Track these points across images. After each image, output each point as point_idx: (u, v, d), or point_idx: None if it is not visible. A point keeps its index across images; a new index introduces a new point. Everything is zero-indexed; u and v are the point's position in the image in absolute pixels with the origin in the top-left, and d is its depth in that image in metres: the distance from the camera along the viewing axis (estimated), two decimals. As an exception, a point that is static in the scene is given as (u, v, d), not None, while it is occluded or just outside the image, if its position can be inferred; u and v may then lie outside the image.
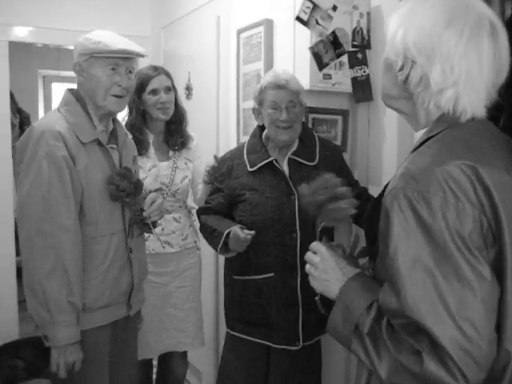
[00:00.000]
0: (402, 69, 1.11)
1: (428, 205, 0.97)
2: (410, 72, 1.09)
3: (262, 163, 2.14)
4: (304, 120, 2.23)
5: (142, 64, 3.72)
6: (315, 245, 1.26)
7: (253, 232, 2.03)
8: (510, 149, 1.12)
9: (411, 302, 0.98)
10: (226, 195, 2.21)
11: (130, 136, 2.12)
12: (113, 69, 1.83)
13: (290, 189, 2.10)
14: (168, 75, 2.55)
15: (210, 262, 3.09)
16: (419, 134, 1.16)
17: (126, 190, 1.88)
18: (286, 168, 2.16)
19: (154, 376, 2.84)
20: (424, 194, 0.98)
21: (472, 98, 1.07)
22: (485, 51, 1.05)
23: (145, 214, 1.98)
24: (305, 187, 1.32)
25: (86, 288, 1.80)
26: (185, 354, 2.75)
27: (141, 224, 2.00)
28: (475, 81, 1.06)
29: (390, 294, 1.03)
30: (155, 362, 2.81)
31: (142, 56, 1.91)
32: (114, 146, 1.95)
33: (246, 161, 2.19)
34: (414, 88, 1.10)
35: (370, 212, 1.24)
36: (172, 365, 2.71)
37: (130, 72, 1.88)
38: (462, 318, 0.94)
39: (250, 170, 2.16)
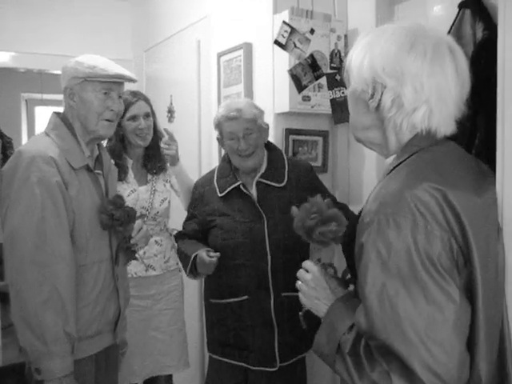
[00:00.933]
0: (372, 96, 1.13)
1: (398, 228, 0.98)
2: (382, 97, 1.12)
3: (230, 188, 2.16)
4: (266, 141, 2.23)
5: (127, 86, 3.76)
6: (308, 263, 1.29)
7: (217, 254, 2.05)
8: (477, 171, 1.15)
9: (380, 324, 0.99)
10: (199, 221, 2.24)
11: (112, 162, 2.11)
12: (105, 93, 1.83)
13: (259, 212, 2.12)
14: (147, 101, 2.56)
15: (194, 283, 3.08)
16: (390, 160, 1.18)
17: (120, 219, 1.86)
18: (254, 191, 2.17)
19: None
20: (394, 217, 0.99)
21: (444, 114, 1.10)
22: (448, 67, 1.09)
23: (132, 241, 1.97)
24: (295, 211, 1.33)
25: (77, 317, 1.75)
26: (170, 376, 2.72)
27: (128, 251, 1.99)
28: (445, 95, 1.10)
29: (361, 315, 1.05)
30: (140, 387, 2.78)
31: (134, 81, 1.92)
32: (100, 171, 1.93)
33: (216, 186, 2.21)
34: (387, 112, 1.12)
35: (349, 232, 1.24)
36: (157, 389, 2.68)
37: (119, 97, 1.89)
38: (430, 340, 0.95)
39: (219, 195, 2.18)
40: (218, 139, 2.25)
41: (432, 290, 0.96)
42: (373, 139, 1.21)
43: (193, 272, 2.16)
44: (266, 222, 2.10)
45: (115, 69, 1.84)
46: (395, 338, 0.97)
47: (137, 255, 2.05)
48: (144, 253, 2.52)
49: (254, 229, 2.10)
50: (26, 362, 1.82)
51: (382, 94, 1.11)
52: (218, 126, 2.19)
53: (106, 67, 1.82)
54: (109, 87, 1.83)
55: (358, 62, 1.15)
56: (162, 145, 2.46)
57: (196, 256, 2.10)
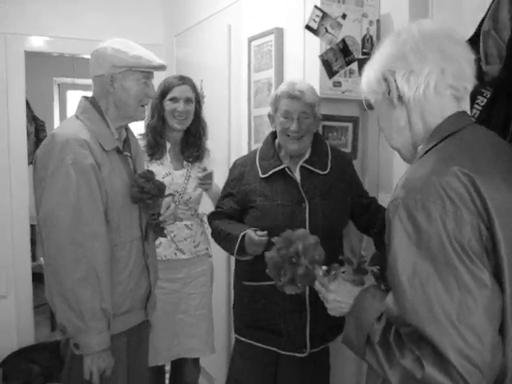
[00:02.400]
0: (389, 91, 1.17)
1: (427, 213, 0.99)
2: (397, 83, 1.15)
3: (274, 170, 2.15)
4: (317, 130, 2.24)
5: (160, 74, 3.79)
6: (316, 285, 1.38)
7: (265, 232, 2.01)
8: (507, 155, 1.13)
9: (411, 309, 0.99)
10: (238, 200, 2.22)
11: (141, 144, 2.15)
12: (145, 82, 1.90)
13: (301, 196, 2.11)
14: (193, 87, 2.59)
15: (222, 269, 3.11)
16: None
17: (150, 191, 1.91)
18: (297, 176, 2.17)
19: (167, 382, 2.86)
20: (423, 203, 0.99)
21: (457, 71, 1.14)
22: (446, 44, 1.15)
23: (161, 218, 2.02)
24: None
25: (111, 294, 1.83)
26: (197, 359, 2.76)
27: (156, 228, 2.04)
28: (450, 51, 1.13)
29: (392, 302, 1.05)
30: (168, 368, 2.83)
31: (165, 69, 1.98)
32: (128, 154, 1.99)
33: (258, 167, 2.20)
34: (409, 92, 1.14)
35: (381, 223, 1.26)
36: (184, 371, 2.73)
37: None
38: (463, 325, 0.95)
39: (261, 176, 2.17)
40: (269, 115, 2.24)
41: (463, 275, 0.96)
42: (405, 141, 1.22)
43: (238, 252, 2.12)
44: (307, 206, 2.09)
45: (156, 59, 1.91)
46: (427, 323, 0.97)
47: (165, 231, 2.09)
48: (174, 236, 2.55)
49: (294, 212, 2.09)
50: (60, 339, 1.89)
51: (395, 80, 1.15)
52: (276, 101, 2.16)
53: (151, 58, 1.89)
54: (148, 76, 1.91)
55: (365, 77, 1.24)
56: (197, 180, 2.53)
57: (244, 235, 2.07)
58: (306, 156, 2.19)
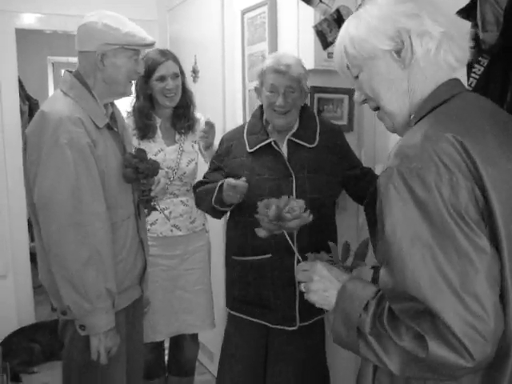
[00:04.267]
0: (400, 50, 1.11)
1: (422, 181, 0.96)
2: (412, 43, 1.09)
3: (261, 144, 2.14)
4: (305, 103, 2.20)
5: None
6: (302, 264, 1.27)
7: (244, 179, 2.05)
8: (505, 122, 1.11)
9: (412, 279, 0.97)
10: (225, 174, 2.21)
11: (128, 122, 2.13)
12: (135, 59, 1.86)
13: (288, 170, 2.10)
14: (176, 61, 2.53)
15: (220, 244, 3.10)
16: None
17: (144, 172, 1.90)
18: (285, 150, 2.15)
19: (166, 358, 2.87)
20: (418, 171, 0.97)
21: (462, 43, 1.12)
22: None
23: (153, 193, 2.01)
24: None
25: None
26: (196, 335, 2.77)
27: (148, 204, 2.03)
28: (456, 21, 1.13)
29: (388, 275, 1.02)
30: (167, 344, 2.84)
31: (154, 46, 1.95)
32: (116, 129, 1.95)
33: (246, 141, 2.18)
34: (420, 54, 1.09)
35: (371, 195, 1.23)
36: (183, 346, 2.73)
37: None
38: (465, 292, 0.93)
39: (249, 150, 2.16)
40: (256, 89, 2.21)
41: (462, 243, 0.94)
42: (405, 106, 1.16)
43: (218, 202, 2.14)
44: (294, 180, 2.08)
45: (148, 35, 1.86)
46: (428, 292, 0.95)
47: (157, 206, 2.09)
48: (170, 213, 2.54)
49: (281, 186, 2.08)
50: (58, 320, 1.88)
51: (410, 39, 1.09)
52: (262, 75, 2.14)
53: (143, 35, 1.84)
54: (138, 52, 1.87)
55: (366, 25, 1.14)
56: (199, 134, 2.48)
57: (222, 184, 2.08)
58: (294, 129, 2.17)
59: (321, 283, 1.20)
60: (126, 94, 1.92)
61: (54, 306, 1.84)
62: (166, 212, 2.51)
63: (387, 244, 1.02)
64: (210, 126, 2.45)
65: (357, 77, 1.20)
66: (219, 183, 2.11)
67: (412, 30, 1.09)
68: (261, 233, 1.44)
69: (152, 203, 2.04)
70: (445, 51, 1.10)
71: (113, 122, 1.94)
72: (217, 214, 2.29)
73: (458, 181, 0.95)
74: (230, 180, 2.05)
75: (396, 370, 1.00)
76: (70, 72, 1.87)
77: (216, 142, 2.49)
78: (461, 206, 0.95)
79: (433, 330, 0.94)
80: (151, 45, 1.89)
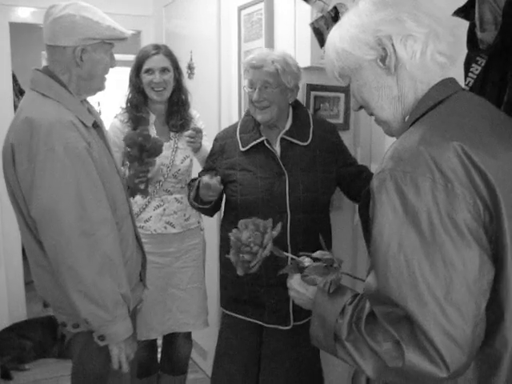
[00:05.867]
0: (384, 57, 1.09)
1: (416, 187, 0.95)
2: (395, 48, 1.07)
3: (254, 143, 2.13)
4: (291, 101, 2.17)
5: (146, 43, 3.70)
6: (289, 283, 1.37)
7: (219, 177, 2.07)
8: (503, 123, 1.10)
9: (395, 285, 0.96)
10: (219, 174, 2.19)
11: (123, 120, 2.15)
12: (111, 52, 1.79)
13: (281, 169, 2.08)
14: (168, 55, 2.50)
15: (215, 243, 3.08)
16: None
17: (150, 150, 1.89)
18: (277, 148, 2.14)
19: (159, 356, 2.86)
20: (411, 176, 0.95)
21: (448, 38, 1.09)
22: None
23: (150, 175, 2.01)
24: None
25: None
26: (189, 334, 2.76)
27: (144, 188, 2.04)
28: (440, 19, 1.10)
29: (373, 278, 1.02)
30: (160, 342, 2.82)
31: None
32: (99, 125, 1.88)
33: (239, 140, 2.18)
34: (406, 58, 1.08)
35: (365, 196, 1.21)
36: (176, 345, 2.72)
37: None
38: (447, 302, 0.92)
39: (241, 149, 2.15)
40: (244, 87, 2.22)
41: (450, 252, 0.92)
42: (398, 112, 1.15)
43: (196, 199, 2.16)
44: (287, 179, 2.07)
45: (127, 30, 1.79)
46: (410, 299, 0.94)
47: (148, 191, 2.10)
48: (164, 210, 2.52)
49: (274, 185, 2.07)
50: (56, 321, 1.83)
51: (393, 45, 1.07)
52: (244, 72, 2.17)
53: (122, 28, 1.76)
54: (113, 46, 1.79)
55: (340, 48, 1.13)
56: (186, 138, 2.44)
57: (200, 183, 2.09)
58: (287, 127, 2.16)
59: (300, 299, 1.30)
60: (102, 88, 1.83)
61: (61, 320, 1.77)
62: (160, 210, 2.51)
63: (374, 247, 1.02)
64: (196, 131, 2.43)
65: (348, 85, 1.20)
66: (196, 182, 2.13)
67: (394, 36, 1.07)
68: (239, 271, 1.47)
69: (145, 187, 2.04)
70: (431, 51, 1.08)
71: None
72: (205, 211, 2.27)
73: (453, 188, 0.93)
74: (204, 178, 2.04)
75: (372, 374, 1.01)
76: (40, 70, 1.74)
77: (206, 143, 2.49)
78: (455, 213, 0.93)
79: (411, 337, 0.94)
80: (127, 38, 1.79)
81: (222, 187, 2.07)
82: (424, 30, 1.06)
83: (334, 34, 1.17)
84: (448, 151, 0.95)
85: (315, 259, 1.33)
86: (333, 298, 1.13)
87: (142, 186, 2.02)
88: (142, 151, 1.88)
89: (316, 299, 1.18)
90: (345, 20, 1.16)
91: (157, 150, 1.96)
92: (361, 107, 1.22)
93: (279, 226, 1.43)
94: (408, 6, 1.08)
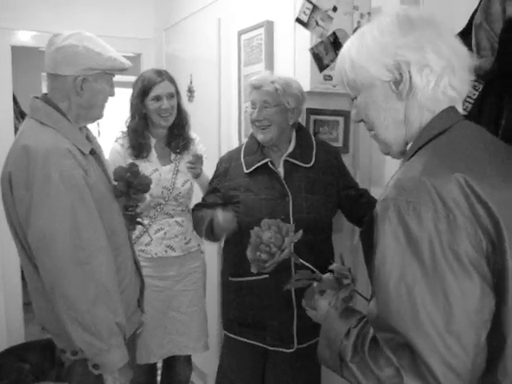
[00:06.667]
0: (399, 82, 1.09)
1: (418, 217, 0.95)
2: (411, 75, 1.08)
3: (258, 164, 2.15)
4: (298, 122, 2.22)
5: (146, 66, 3.74)
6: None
7: (231, 213, 2.07)
8: (504, 154, 1.11)
9: (396, 313, 0.97)
10: (222, 195, 2.23)
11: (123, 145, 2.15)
12: (112, 82, 1.82)
13: (285, 190, 2.10)
14: (172, 81, 2.53)
15: (215, 266, 3.08)
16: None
17: (136, 186, 1.88)
18: (281, 170, 2.16)
19: (159, 378, 2.84)
20: (415, 206, 0.96)
21: (463, 76, 1.10)
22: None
23: (138, 210, 2.01)
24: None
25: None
26: (189, 357, 2.74)
27: (133, 220, 2.03)
28: (460, 52, 1.10)
29: (375, 304, 1.03)
30: (160, 365, 2.81)
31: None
32: (97, 152, 1.89)
33: (243, 162, 2.20)
34: (420, 87, 1.08)
35: (367, 223, 1.22)
36: (176, 368, 2.71)
37: None
38: (448, 333, 0.93)
39: (246, 171, 2.17)
40: (247, 107, 2.27)
41: (451, 283, 0.93)
42: (401, 137, 1.16)
43: (208, 234, 2.17)
44: (291, 200, 2.09)
45: (125, 59, 1.80)
46: (411, 329, 0.95)
47: (142, 222, 2.09)
48: (165, 233, 2.52)
49: (278, 207, 2.08)
50: (54, 344, 1.80)
51: (409, 72, 1.08)
52: (248, 94, 2.22)
53: (123, 59, 1.78)
54: (114, 76, 1.81)
55: (367, 53, 1.12)
56: (186, 164, 2.47)
57: (211, 220, 2.09)
58: (290, 149, 2.19)
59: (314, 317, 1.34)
60: (100, 117, 1.85)
61: (60, 347, 1.76)
62: (161, 233, 2.51)
63: (376, 274, 1.03)
64: (196, 157, 2.45)
65: (355, 97, 1.20)
66: (207, 220, 2.11)
67: (412, 63, 1.07)
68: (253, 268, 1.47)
69: (137, 219, 2.04)
70: (444, 84, 1.08)
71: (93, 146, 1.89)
72: (213, 240, 2.28)
73: (455, 219, 0.94)
74: (219, 218, 2.04)
75: None
76: (39, 98, 1.76)
77: (206, 168, 2.51)
78: (456, 244, 0.94)
79: (411, 366, 0.95)
80: (127, 69, 1.82)
81: (235, 221, 2.06)
82: (443, 64, 1.07)
83: (353, 44, 1.16)
84: (450, 182, 0.96)
85: (330, 271, 1.36)
86: (340, 319, 1.15)
87: (131, 219, 2.01)
88: (128, 187, 1.87)
89: (328, 315, 1.21)
90: (367, 30, 1.15)
91: (144, 187, 1.95)
92: (361, 120, 1.22)
93: (300, 232, 1.45)
94: (432, 34, 1.08)
